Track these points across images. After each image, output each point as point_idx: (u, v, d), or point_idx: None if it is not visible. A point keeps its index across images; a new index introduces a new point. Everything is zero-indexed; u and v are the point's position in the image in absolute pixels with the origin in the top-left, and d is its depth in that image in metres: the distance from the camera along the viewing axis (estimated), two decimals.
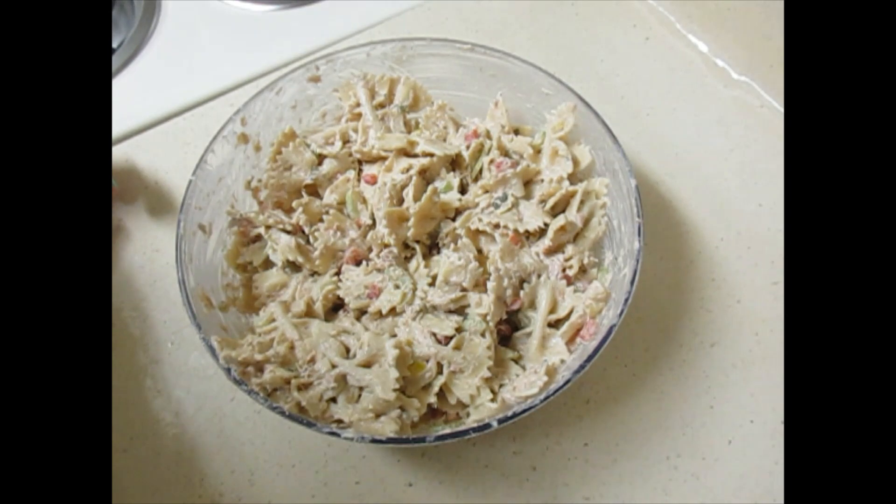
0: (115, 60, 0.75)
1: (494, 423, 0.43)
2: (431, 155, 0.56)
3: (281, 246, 0.54)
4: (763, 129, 0.67)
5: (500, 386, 0.49)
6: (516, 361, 0.51)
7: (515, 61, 0.57)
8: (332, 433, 0.43)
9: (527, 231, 0.53)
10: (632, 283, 0.47)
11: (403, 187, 0.55)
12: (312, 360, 0.49)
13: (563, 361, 0.48)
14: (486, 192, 0.55)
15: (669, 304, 0.58)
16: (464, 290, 0.50)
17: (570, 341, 0.50)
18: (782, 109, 0.68)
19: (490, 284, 0.49)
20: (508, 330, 0.52)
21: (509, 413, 0.43)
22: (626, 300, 0.46)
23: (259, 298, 0.54)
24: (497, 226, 0.52)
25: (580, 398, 0.54)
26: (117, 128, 0.69)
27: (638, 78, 0.72)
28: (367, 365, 0.48)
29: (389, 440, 0.44)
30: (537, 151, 0.57)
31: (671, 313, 0.58)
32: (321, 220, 0.54)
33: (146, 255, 0.62)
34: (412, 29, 0.76)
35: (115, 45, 0.77)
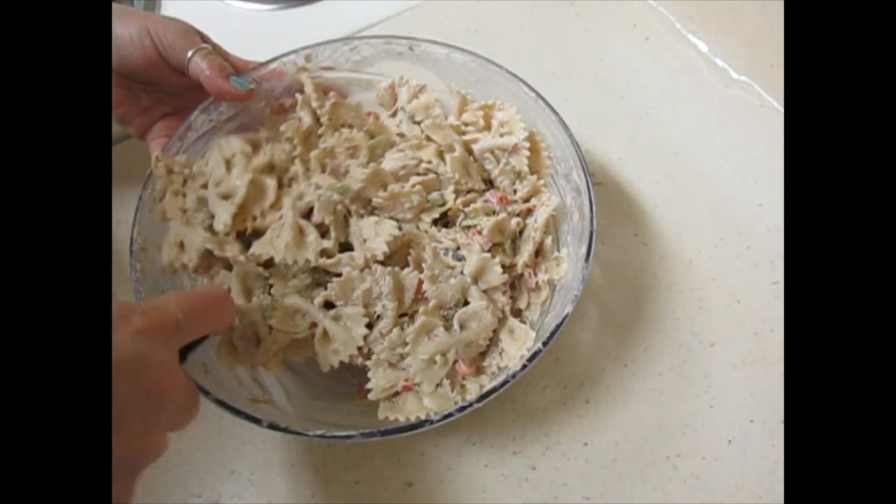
0: None
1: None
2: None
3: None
4: (763, 129, 0.67)
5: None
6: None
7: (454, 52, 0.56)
8: (321, 436, 0.43)
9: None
10: (587, 258, 0.47)
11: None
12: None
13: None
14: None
15: (669, 304, 0.58)
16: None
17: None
18: (782, 109, 0.68)
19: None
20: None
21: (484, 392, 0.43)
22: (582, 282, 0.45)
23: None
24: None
25: (580, 398, 0.54)
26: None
27: (638, 78, 0.72)
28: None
29: (384, 432, 0.43)
30: (487, 121, 0.56)
31: (671, 313, 0.58)
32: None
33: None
34: (412, 29, 0.76)
35: None
